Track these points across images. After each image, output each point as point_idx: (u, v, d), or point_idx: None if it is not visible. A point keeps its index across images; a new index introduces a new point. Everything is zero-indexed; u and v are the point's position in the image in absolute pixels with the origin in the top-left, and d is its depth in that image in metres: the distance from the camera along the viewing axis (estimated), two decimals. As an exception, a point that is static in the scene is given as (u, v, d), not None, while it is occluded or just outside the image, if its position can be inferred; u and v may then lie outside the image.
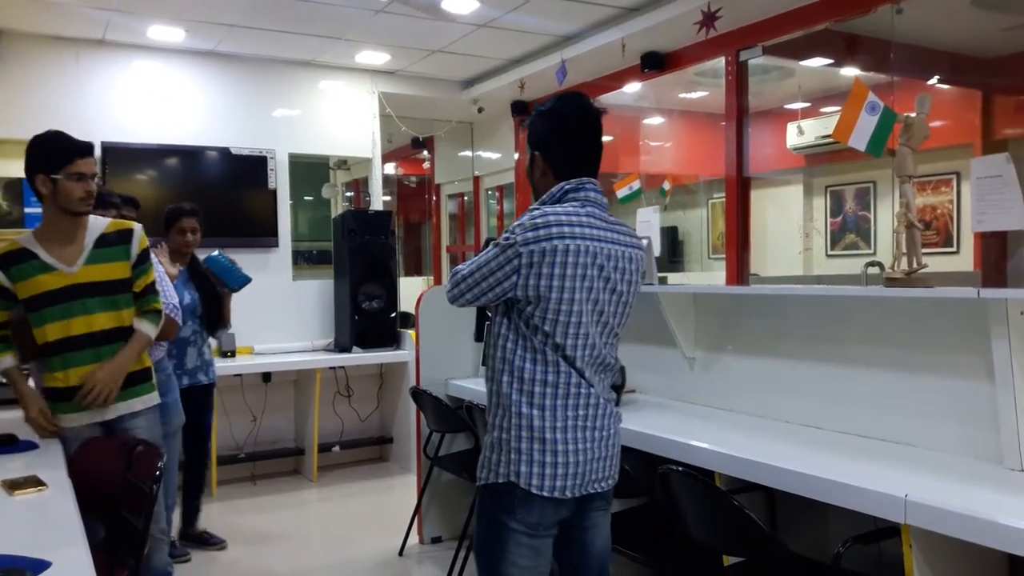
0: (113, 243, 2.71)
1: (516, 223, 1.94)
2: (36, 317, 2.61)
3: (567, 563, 2.09)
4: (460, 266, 2.03)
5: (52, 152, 2.59)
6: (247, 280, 4.13)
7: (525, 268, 1.89)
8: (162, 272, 3.33)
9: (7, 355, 2.65)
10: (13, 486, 2.11)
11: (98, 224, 2.72)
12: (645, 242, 2.29)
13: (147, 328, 2.75)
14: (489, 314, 2.10)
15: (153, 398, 2.81)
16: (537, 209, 1.96)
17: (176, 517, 3.93)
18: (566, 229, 1.90)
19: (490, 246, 1.98)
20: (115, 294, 2.68)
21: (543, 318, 1.92)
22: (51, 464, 2.37)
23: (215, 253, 4.14)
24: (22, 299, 2.61)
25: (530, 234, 1.89)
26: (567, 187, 2.00)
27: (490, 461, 1.99)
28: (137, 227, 2.79)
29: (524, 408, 1.94)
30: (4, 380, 2.68)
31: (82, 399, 2.57)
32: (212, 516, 4.46)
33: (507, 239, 1.92)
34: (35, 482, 2.15)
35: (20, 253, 2.60)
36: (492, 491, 1.98)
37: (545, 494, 1.91)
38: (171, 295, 3.32)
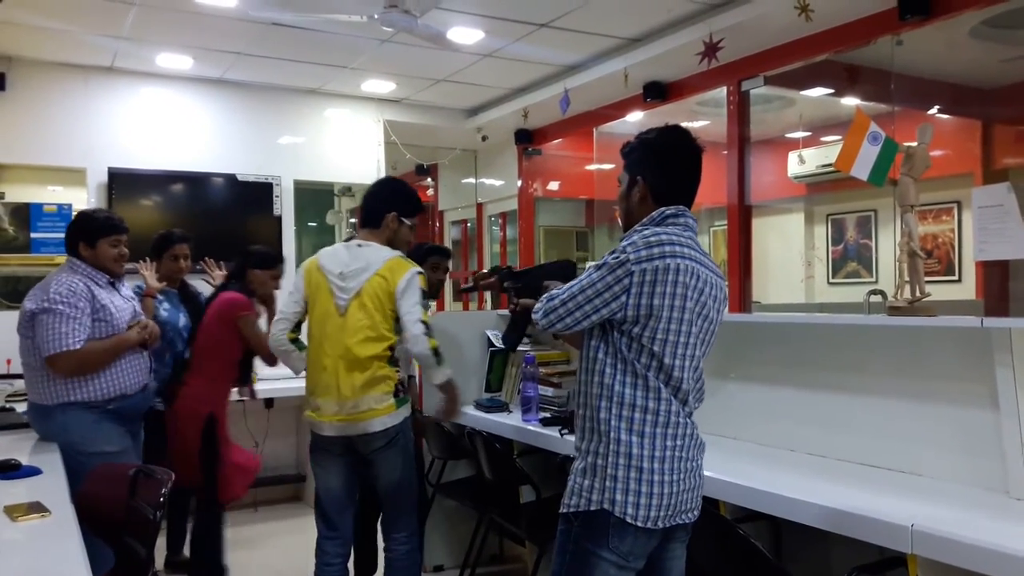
0: None
1: (625, 242, 1.91)
2: None
3: None
4: (554, 291, 1.99)
5: (415, 203, 3.22)
6: None
7: (636, 287, 1.87)
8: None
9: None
10: (15, 512, 2.10)
11: None
12: None
13: None
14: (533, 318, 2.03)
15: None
16: (647, 229, 1.95)
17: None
18: (677, 249, 1.90)
19: (589, 268, 1.94)
20: None
21: (652, 338, 1.89)
22: (54, 490, 2.36)
23: None
24: None
25: (643, 252, 1.87)
26: (668, 212, 2.00)
27: (581, 487, 1.93)
28: None
29: (623, 435, 1.89)
30: None
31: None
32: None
33: (617, 258, 1.89)
34: (38, 508, 2.14)
35: None
36: (582, 519, 1.92)
37: (640, 524, 1.86)
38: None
